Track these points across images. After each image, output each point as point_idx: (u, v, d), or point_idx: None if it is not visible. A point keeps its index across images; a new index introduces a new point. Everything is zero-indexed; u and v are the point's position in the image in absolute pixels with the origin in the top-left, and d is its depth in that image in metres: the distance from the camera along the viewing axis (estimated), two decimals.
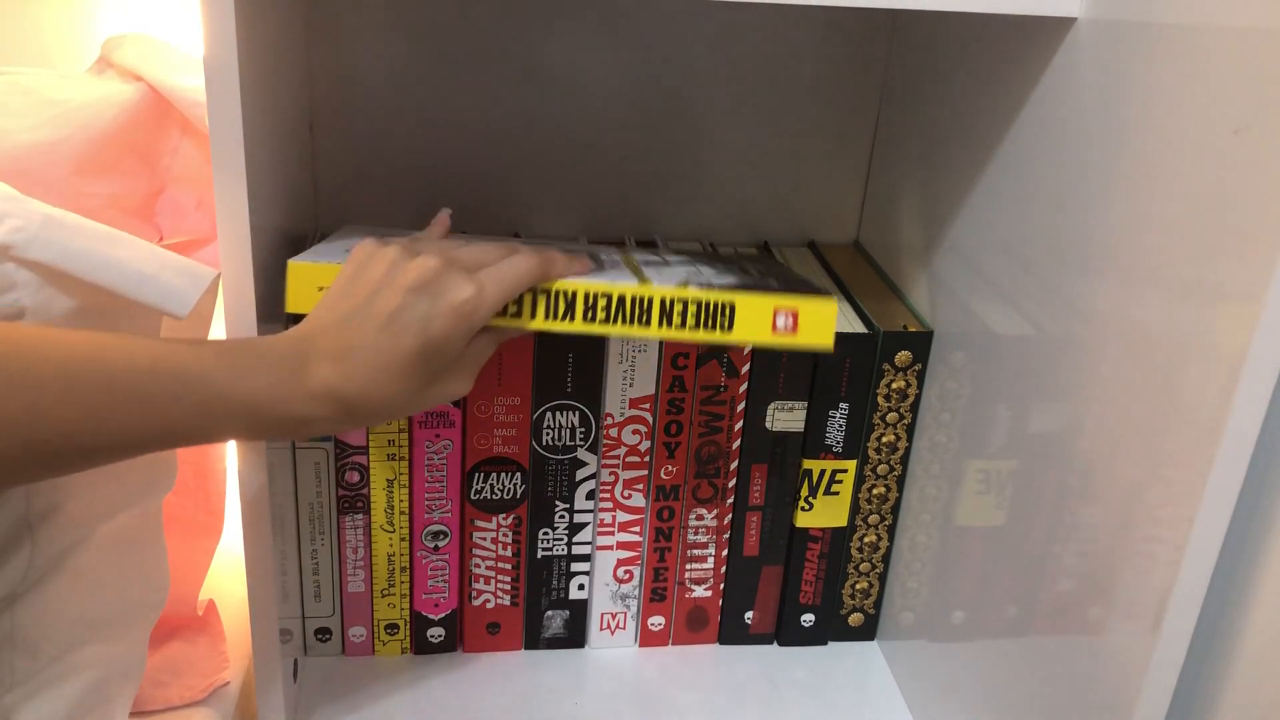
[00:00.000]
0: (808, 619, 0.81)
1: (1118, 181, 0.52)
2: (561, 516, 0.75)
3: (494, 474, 0.72)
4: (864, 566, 0.80)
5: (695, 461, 0.74)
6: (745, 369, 0.72)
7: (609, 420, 0.72)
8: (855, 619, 0.82)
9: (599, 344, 0.70)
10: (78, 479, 0.55)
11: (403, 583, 0.75)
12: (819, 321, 0.56)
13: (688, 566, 0.78)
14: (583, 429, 0.72)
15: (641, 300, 0.55)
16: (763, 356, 0.72)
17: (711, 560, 0.78)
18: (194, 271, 0.55)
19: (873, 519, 0.78)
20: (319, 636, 0.76)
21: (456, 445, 0.71)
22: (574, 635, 0.79)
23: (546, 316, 0.55)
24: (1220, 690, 0.51)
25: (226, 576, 0.78)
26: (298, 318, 0.53)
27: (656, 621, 0.80)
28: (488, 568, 0.76)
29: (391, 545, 0.73)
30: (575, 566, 0.77)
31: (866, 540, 0.79)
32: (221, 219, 0.52)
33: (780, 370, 0.72)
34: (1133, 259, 0.51)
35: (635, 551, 0.77)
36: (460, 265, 0.52)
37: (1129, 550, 0.51)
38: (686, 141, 0.84)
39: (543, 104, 0.81)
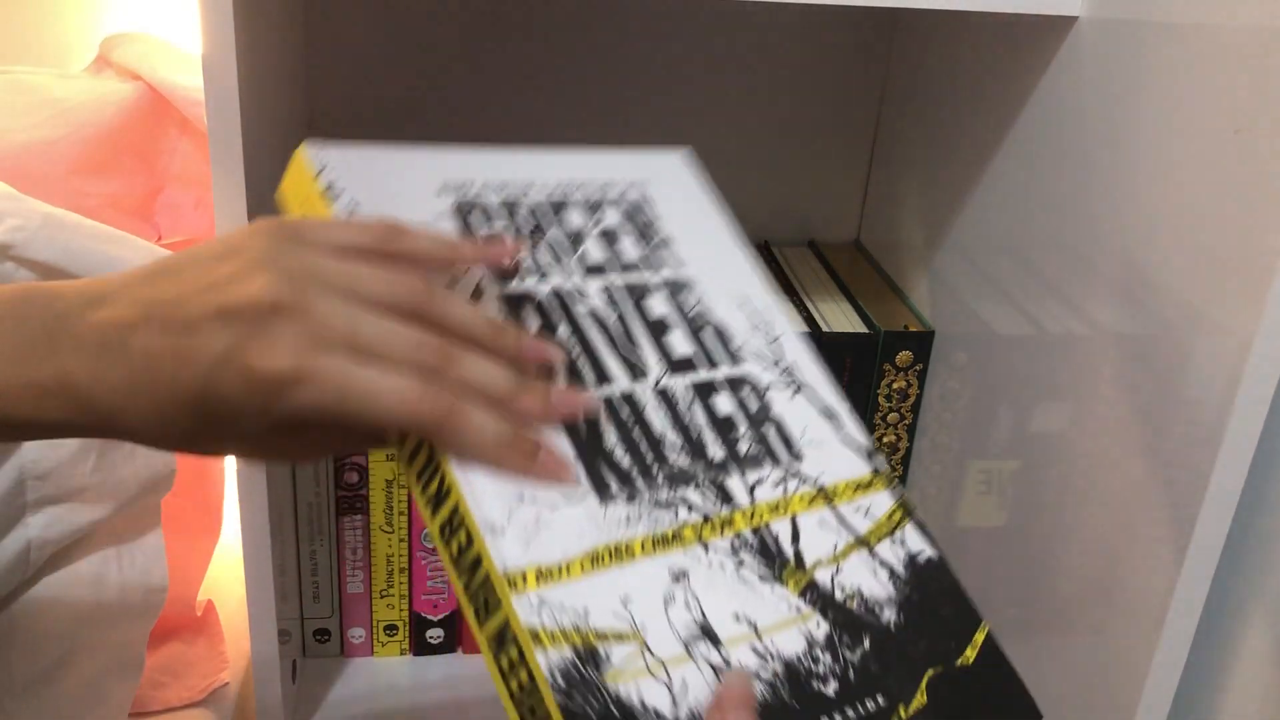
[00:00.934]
0: None
1: (1119, 181, 0.52)
2: None
3: None
4: None
5: None
6: None
7: None
8: None
9: None
10: (77, 479, 0.55)
11: (402, 584, 0.75)
12: None
13: None
14: None
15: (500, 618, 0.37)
16: None
17: None
18: None
19: None
20: (318, 637, 0.76)
21: None
22: None
23: (421, 489, 0.39)
24: (1222, 691, 0.51)
25: (225, 577, 0.78)
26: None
27: None
28: None
29: (390, 546, 0.73)
30: None
31: None
32: (220, 219, 0.52)
33: None
34: (1134, 258, 0.51)
35: None
36: (339, 322, 0.35)
37: (1131, 551, 0.51)
38: (686, 142, 0.84)
39: (543, 104, 0.80)
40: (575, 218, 0.47)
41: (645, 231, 0.48)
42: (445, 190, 0.45)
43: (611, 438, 0.41)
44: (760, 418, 0.44)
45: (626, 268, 0.46)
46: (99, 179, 0.63)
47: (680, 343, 0.45)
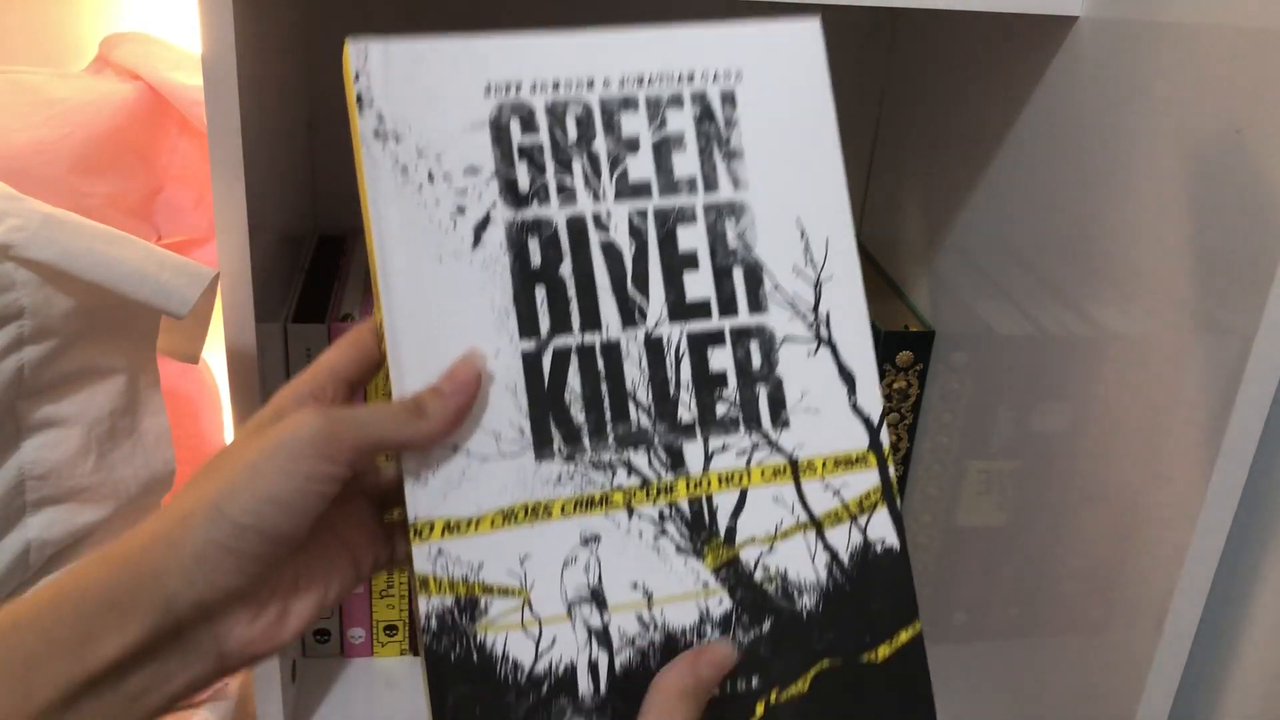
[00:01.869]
0: None
1: (1119, 181, 0.52)
2: None
3: None
4: None
5: None
6: None
7: None
8: None
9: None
10: (77, 479, 0.55)
11: (401, 584, 0.75)
12: None
13: None
14: None
15: None
16: None
17: None
18: (193, 271, 0.55)
19: None
20: (317, 638, 0.76)
21: None
22: None
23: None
24: (1223, 691, 0.51)
25: None
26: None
27: None
28: None
29: None
30: None
31: None
32: (220, 218, 0.52)
33: None
34: (1134, 259, 0.51)
35: None
36: None
37: (1131, 551, 0.51)
38: None
39: None
40: (632, 123, 0.42)
41: (713, 140, 0.43)
42: (490, 92, 0.42)
43: (573, 391, 0.41)
44: (757, 376, 0.42)
45: (672, 187, 0.42)
46: (99, 179, 0.63)
47: (698, 283, 0.42)
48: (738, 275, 0.43)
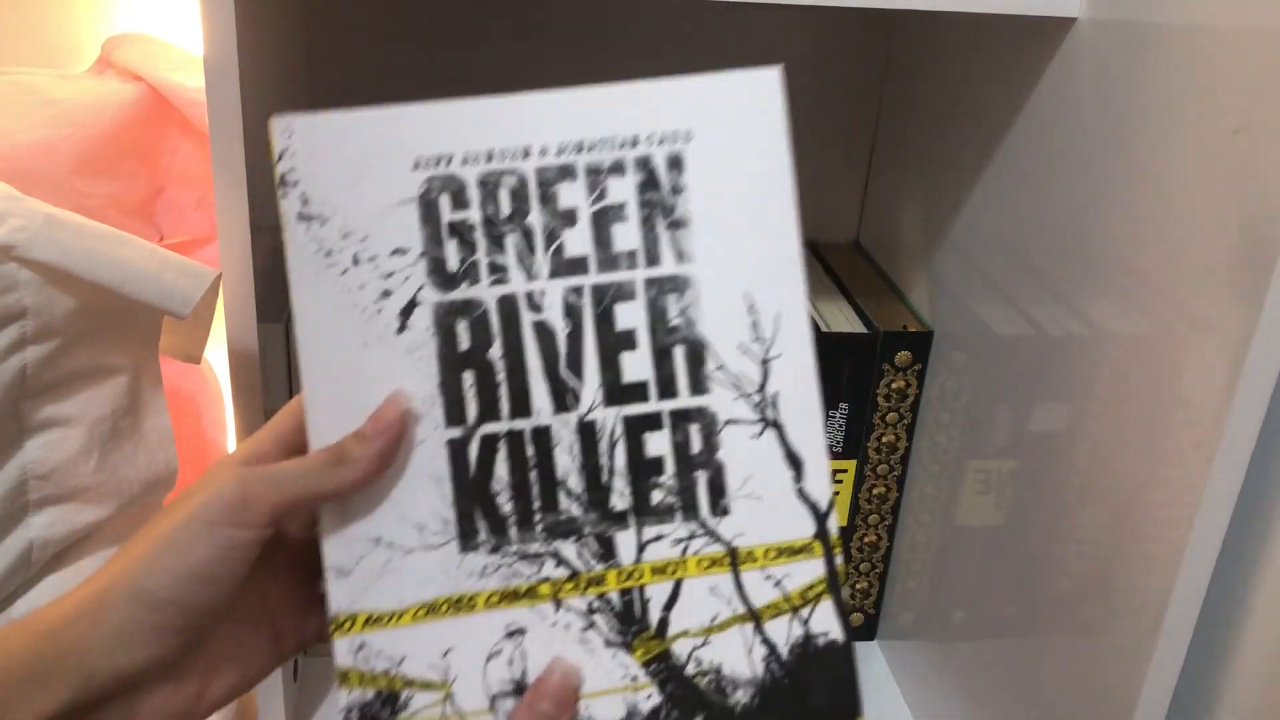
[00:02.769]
0: None
1: (1118, 181, 0.52)
2: None
3: None
4: (864, 566, 0.80)
5: None
6: None
7: None
8: (855, 619, 0.82)
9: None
10: (80, 479, 0.55)
11: None
12: None
13: None
14: None
15: None
16: None
17: None
18: (195, 271, 0.55)
19: (873, 519, 0.78)
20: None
21: None
22: None
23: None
24: (1221, 690, 0.51)
25: None
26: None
27: None
28: None
29: None
30: None
31: (866, 540, 0.79)
32: (221, 218, 0.52)
33: None
34: (1132, 259, 0.51)
35: None
36: None
37: (1129, 550, 0.51)
38: None
39: None
40: (570, 194, 0.40)
41: (656, 209, 0.40)
42: (419, 166, 0.40)
43: (501, 480, 0.39)
44: (696, 462, 0.40)
45: (611, 262, 0.40)
46: (100, 179, 0.63)
47: (636, 364, 0.40)
48: (679, 355, 0.40)
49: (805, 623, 0.40)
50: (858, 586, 0.81)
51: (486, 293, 0.39)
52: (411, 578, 0.39)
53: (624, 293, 0.40)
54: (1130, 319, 0.51)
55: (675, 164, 0.41)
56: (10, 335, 0.51)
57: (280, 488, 0.37)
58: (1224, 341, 0.45)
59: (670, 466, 0.40)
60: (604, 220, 0.40)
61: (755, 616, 0.40)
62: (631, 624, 0.40)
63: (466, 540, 0.39)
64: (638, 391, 0.40)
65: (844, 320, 0.74)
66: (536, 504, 0.39)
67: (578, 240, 0.40)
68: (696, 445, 0.40)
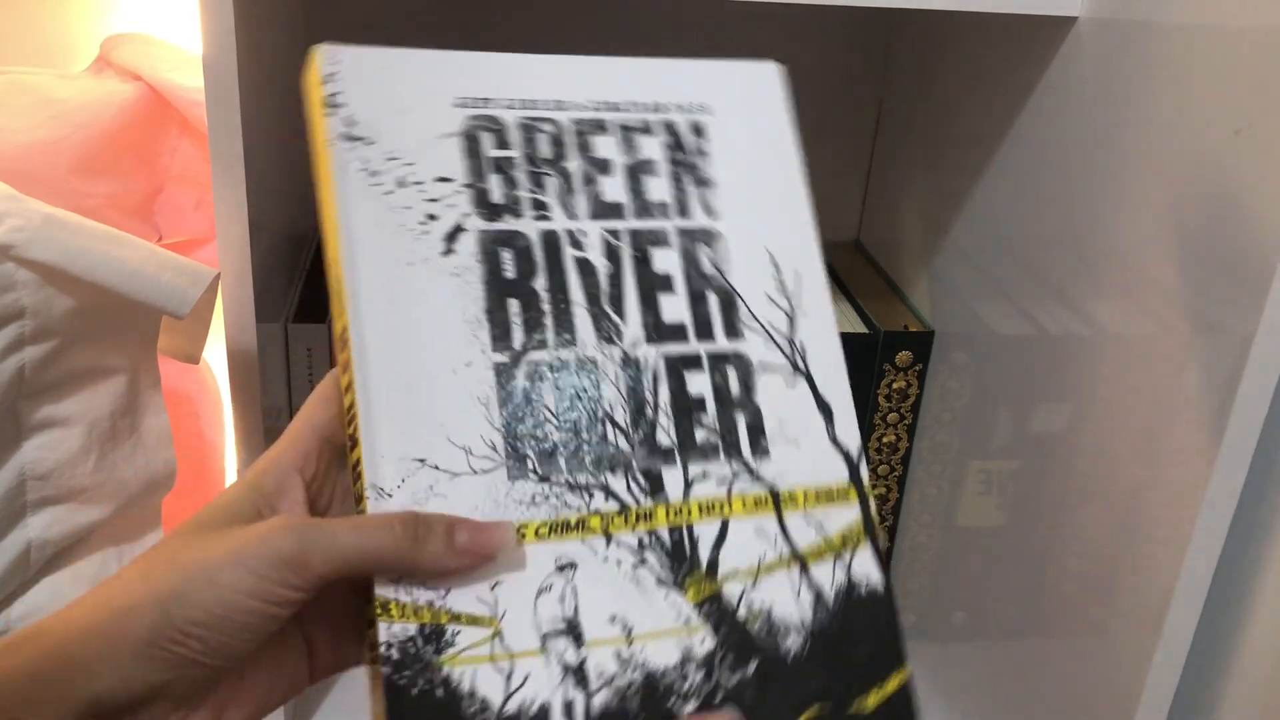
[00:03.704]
0: None
1: (1118, 181, 0.52)
2: None
3: None
4: None
5: None
6: None
7: None
8: None
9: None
10: (78, 479, 0.55)
11: None
12: None
13: None
14: None
15: None
16: None
17: None
18: (194, 271, 0.55)
19: None
20: None
21: None
22: None
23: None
24: (1222, 691, 0.51)
25: None
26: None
27: None
28: None
29: None
30: None
31: None
32: (220, 218, 0.52)
33: None
34: (1133, 259, 0.51)
35: None
36: None
37: (1130, 551, 0.51)
38: None
39: None
40: (604, 147, 0.41)
41: (684, 167, 0.42)
42: (461, 105, 0.41)
43: (548, 408, 0.38)
44: (735, 404, 0.40)
45: (646, 210, 0.41)
46: (99, 179, 0.63)
47: (674, 306, 0.41)
48: (713, 300, 0.41)
49: (848, 568, 0.40)
50: None
51: (530, 226, 0.40)
52: (458, 502, 0.36)
53: (659, 238, 0.41)
54: (1131, 319, 0.51)
55: (698, 130, 0.43)
56: (8, 335, 0.51)
57: (343, 555, 0.34)
58: (1225, 341, 0.45)
59: (711, 406, 0.40)
60: (637, 172, 0.42)
61: (801, 559, 0.39)
62: (682, 562, 0.38)
63: (514, 467, 0.37)
64: (677, 332, 0.40)
65: (844, 320, 0.74)
66: (584, 434, 0.38)
67: (614, 187, 0.41)
68: (735, 388, 0.40)
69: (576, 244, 0.40)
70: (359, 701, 0.73)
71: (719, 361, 0.41)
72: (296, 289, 0.70)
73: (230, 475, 0.72)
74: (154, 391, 0.59)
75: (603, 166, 0.41)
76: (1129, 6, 0.52)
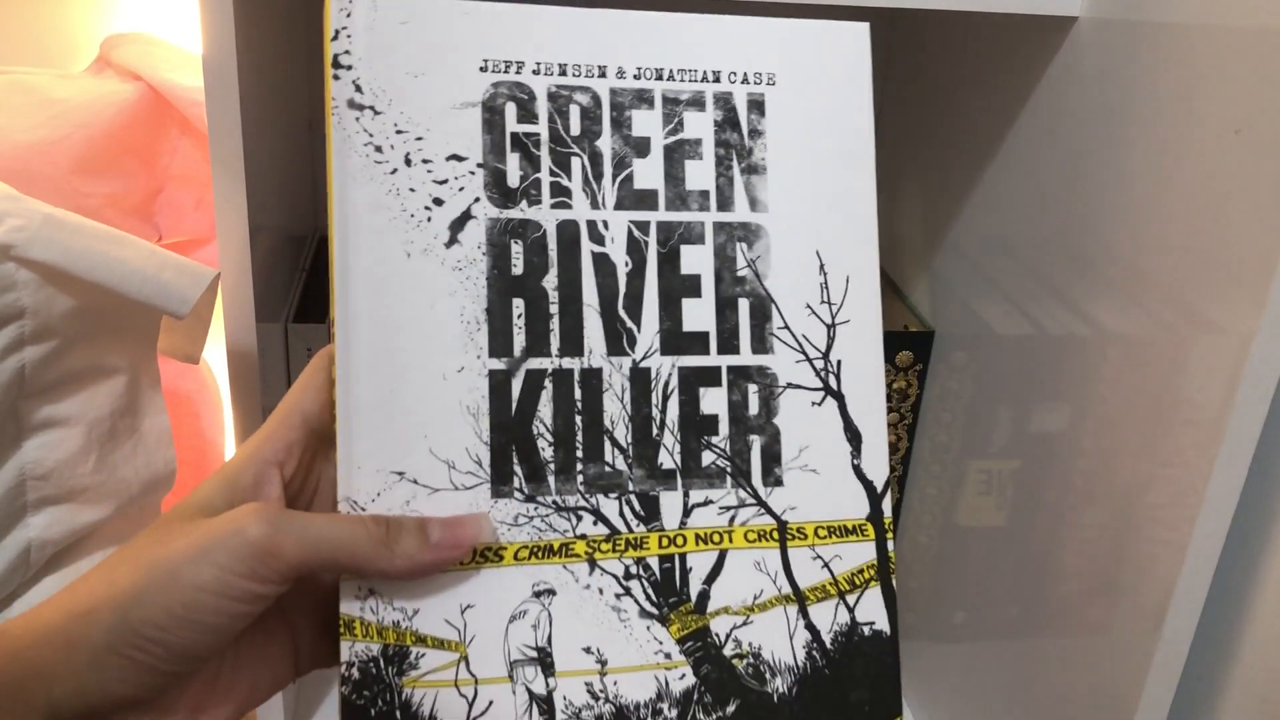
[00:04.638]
0: None
1: (1118, 181, 0.52)
2: None
3: None
4: None
5: None
6: None
7: None
8: None
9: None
10: (78, 479, 0.55)
11: None
12: None
13: None
14: None
15: None
16: None
17: None
18: (194, 271, 0.55)
19: None
20: None
21: None
22: None
23: None
24: (1223, 690, 0.51)
25: None
26: None
27: None
28: None
29: None
30: None
31: None
32: (220, 218, 0.52)
33: None
34: (1133, 259, 0.51)
35: None
36: None
37: (1131, 550, 0.51)
38: None
39: None
40: (644, 122, 0.37)
41: (733, 151, 0.38)
42: (487, 69, 0.36)
43: (543, 422, 0.36)
44: (752, 425, 0.38)
45: (681, 200, 0.37)
46: (99, 179, 0.63)
47: (698, 313, 0.37)
48: (743, 308, 0.38)
49: (851, 610, 0.38)
50: None
51: (547, 215, 0.36)
52: None
53: (692, 234, 0.37)
54: (1132, 319, 0.51)
55: (756, 106, 0.38)
56: (9, 335, 0.51)
57: (314, 548, 0.32)
58: (1226, 341, 0.45)
59: (724, 427, 0.37)
60: (677, 154, 0.37)
61: (800, 598, 0.37)
62: (670, 595, 0.36)
63: (500, 484, 0.35)
64: (697, 342, 0.37)
65: None
66: (579, 452, 0.36)
67: (648, 172, 0.37)
68: (754, 407, 0.37)
69: (597, 237, 0.37)
70: None
71: (740, 377, 0.37)
72: (296, 289, 0.70)
73: None
74: (154, 391, 0.59)
75: (639, 147, 0.37)
76: (1129, 6, 0.52)
